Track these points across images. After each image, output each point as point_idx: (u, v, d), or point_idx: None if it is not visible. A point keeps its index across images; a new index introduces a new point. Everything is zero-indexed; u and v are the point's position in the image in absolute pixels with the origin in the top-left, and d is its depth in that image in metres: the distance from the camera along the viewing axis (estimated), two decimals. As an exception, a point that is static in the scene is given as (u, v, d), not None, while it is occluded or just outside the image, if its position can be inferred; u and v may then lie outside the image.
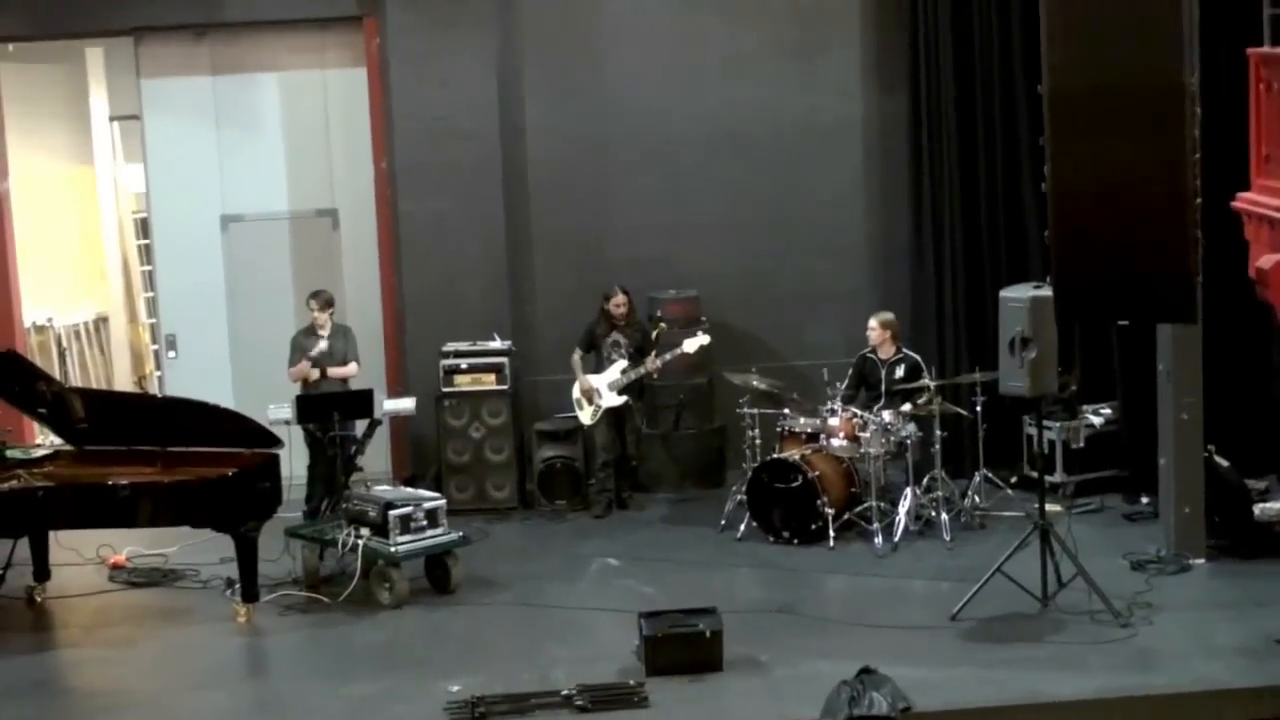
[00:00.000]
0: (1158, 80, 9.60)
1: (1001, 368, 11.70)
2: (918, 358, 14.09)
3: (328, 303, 14.67)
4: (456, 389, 15.16)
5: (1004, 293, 11.77)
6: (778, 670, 10.61)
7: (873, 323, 14.16)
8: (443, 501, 12.90)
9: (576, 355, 14.89)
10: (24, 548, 13.00)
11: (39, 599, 12.99)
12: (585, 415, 14.86)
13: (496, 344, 15.27)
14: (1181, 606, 11.46)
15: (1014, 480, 14.30)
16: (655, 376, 14.81)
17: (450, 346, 15.25)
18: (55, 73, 18.52)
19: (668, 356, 14.56)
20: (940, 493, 13.54)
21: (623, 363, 14.70)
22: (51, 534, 13.10)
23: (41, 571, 13.11)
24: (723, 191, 15.99)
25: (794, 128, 15.96)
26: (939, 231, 15.32)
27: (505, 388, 15.17)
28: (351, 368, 14.66)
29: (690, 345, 14.51)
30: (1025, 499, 13.49)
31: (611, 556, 13.49)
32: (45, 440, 14.67)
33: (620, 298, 14.77)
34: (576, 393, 14.88)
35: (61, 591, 13.16)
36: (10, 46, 16.35)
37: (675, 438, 15.56)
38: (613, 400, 14.71)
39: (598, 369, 14.85)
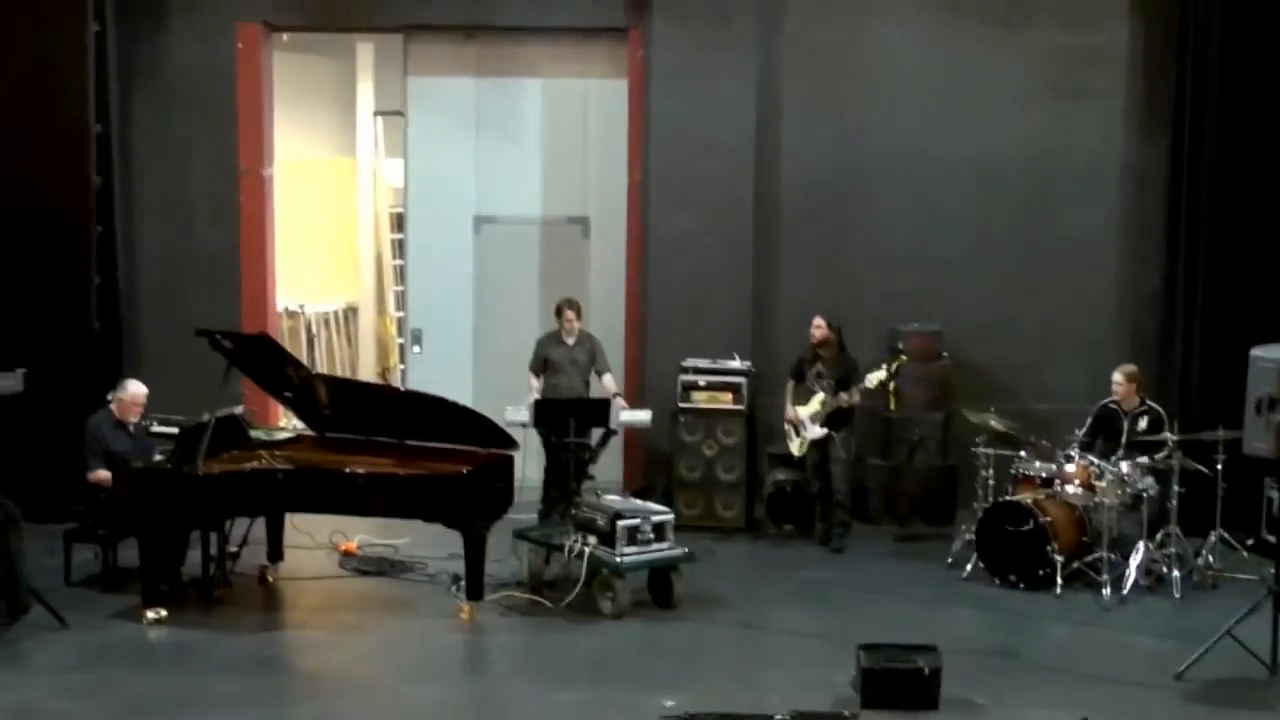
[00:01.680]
0: None
1: (1246, 427, 11.42)
2: (1161, 410, 13.84)
3: (579, 311, 14.85)
4: (693, 405, 15.24)
5: (1255, 351, 11.51)
6: (994, 714, 10.46)
7: (1117, 376, 13.97)
8: (671, 516, 12.91)
9: (789, 385, 14.85)
10: (260, 527, 13.33)
11: (271, 579, 13.29)
12: (794, 446, 14.78)
13: (736, 364, 15.34)
14: None
15: (1250, 543, 14.01)
16: (893, 403, 14.50)
17: (690, 362, 15.34)
18: (325, 64, 19.00)
19: (855, 395, 14.30)
20: (1174, 549, 13.29)
21: (822, 394, 14.56)
22: (287, 516, 13.44)
23: (275, 552, 13.43)
24: (973, 226, 15.92)
25: (1050, 167, 15.87)
26: (1191, 284, 15.07)
27: (741, 408, 15.23)
28: (610, 381, 14.85)
29: (871, 380, 14.05)
30: (1261, 563, 13.18)
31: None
32: (288, 424, 15.04)
33: (818, 321, 14.60)
34: (785, 423, 14.87)
35: (292, 573, 13.49)
36: (285, 36, 16.80)
37: (908, 471, 15.47)
38: (816, 432, 14.60)
39: (807, 400, 14.76)
